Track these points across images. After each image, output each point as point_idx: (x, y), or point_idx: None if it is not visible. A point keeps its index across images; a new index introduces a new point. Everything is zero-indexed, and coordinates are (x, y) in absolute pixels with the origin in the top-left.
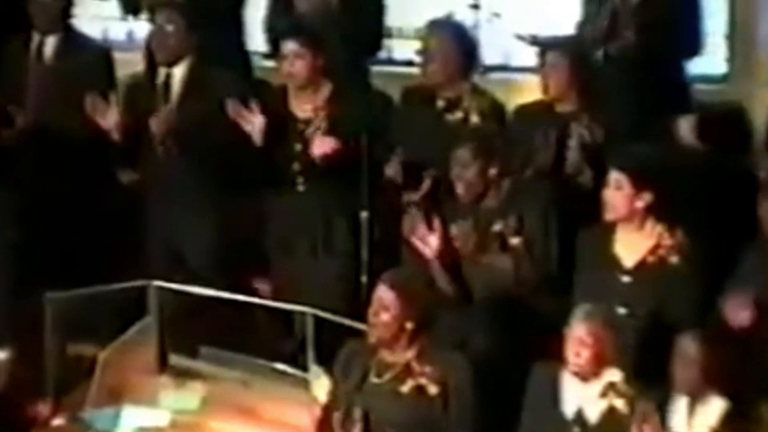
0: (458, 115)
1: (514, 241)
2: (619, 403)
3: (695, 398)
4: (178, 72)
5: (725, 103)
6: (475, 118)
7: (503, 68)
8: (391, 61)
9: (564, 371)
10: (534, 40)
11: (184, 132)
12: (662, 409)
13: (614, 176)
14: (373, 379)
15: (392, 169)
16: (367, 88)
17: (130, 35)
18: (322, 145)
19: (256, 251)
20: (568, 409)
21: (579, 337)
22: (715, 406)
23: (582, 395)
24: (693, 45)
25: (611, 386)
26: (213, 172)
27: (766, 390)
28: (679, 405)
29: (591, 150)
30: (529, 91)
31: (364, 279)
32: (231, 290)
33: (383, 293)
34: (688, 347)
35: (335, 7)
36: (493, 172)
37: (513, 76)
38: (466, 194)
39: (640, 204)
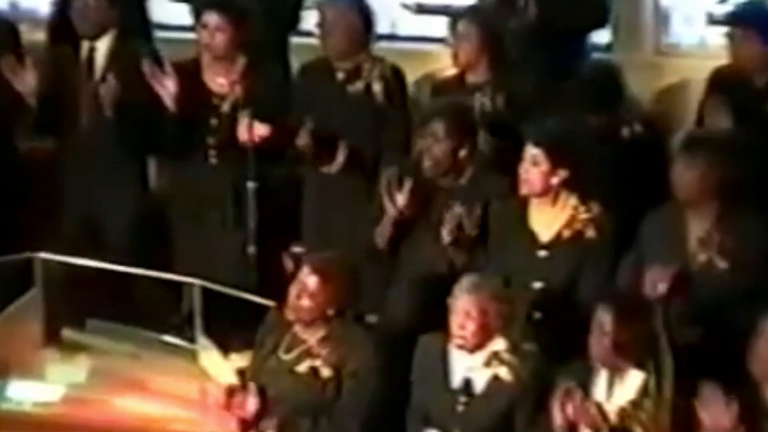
0: (359, 85)
1: (472, 232)
2: (503, 372)
3: (613, 371)
4: (102, 46)
5: (597, 65)
6: (377, 86)
7: (391, 37)
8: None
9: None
10: (420, 8)
11: (108, 104)
12: (584, 384)
13: (531, 152)
14: (281, 355)
15: (303, 140)
16: (286, 62)
17: (13, 5)
18: (252, 131)
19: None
20: (455, 380)
21: (464, 309)
22: (634, 379)
23: (468, 365)
24: (598, 17)
25: (495, 355)
26: (133, 143)
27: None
28: (600, 378)
29: (491, 118)
30: (416, 59)
31: (251, 250)
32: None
33: (307, 278)
34: (603, 319)
35: None
36: (463, 153)
37: (400, 44)
38: (432, 171)
39: (555, 180)
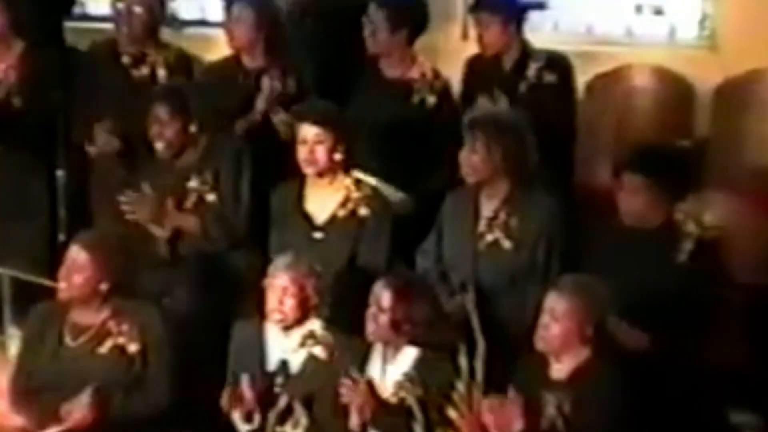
0: (144, 71)
1: (210, 197)
2: (318, 350)
3: (388, 346)
4: None
5: None
6: (162, 72)
7: (201, 23)
8: (85, 17)
9: (266, 325)
10: None
11: None
12: (362, 359)
13: (313, 131)
14: (70, 343)
15: (102, 141)
16: (62, 45)
17: None
18: None
19: None
20: (272, 362)
21: (283, 286)
22: (408, 355)
23: (284, 347)
24: None
25: (310, 335)
26: None
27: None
28: (375, 355)
29: (283, 101)
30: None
31: (62, 237)
32: None
33: (76, 254)
34: (381, 296)
35: None
36: (193, 129)
37: (209, 31)
38: (166, 152)
39: (338, 156)
